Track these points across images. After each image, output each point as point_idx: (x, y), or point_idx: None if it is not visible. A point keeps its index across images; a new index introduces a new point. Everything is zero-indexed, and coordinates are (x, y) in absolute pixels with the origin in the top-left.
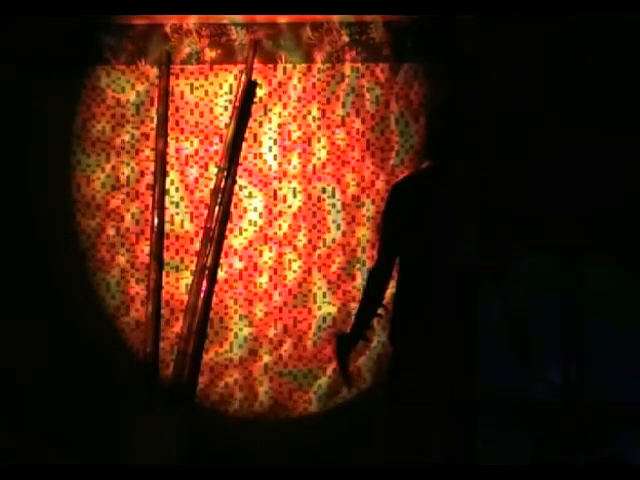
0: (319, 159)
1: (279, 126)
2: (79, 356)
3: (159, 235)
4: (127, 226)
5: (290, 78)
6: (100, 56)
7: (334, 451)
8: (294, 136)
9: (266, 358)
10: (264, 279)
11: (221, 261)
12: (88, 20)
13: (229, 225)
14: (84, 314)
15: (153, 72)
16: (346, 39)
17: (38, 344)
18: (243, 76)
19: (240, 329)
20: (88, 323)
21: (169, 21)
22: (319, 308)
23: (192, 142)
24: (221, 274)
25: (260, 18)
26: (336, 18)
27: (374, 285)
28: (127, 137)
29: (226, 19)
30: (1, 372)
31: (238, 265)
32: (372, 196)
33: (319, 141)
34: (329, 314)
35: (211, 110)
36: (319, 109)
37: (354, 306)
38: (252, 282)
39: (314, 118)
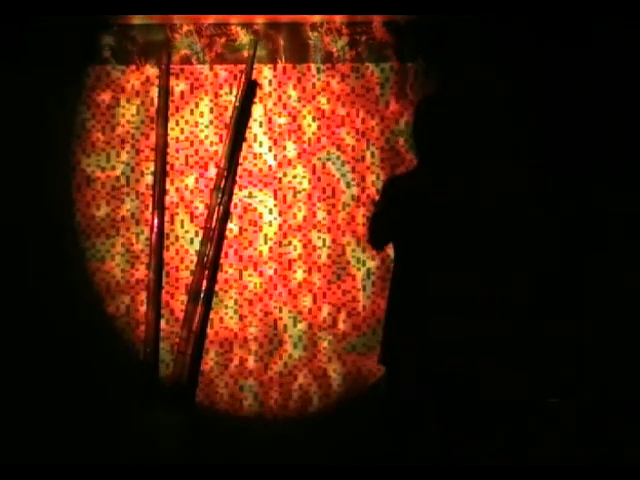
0: (319, 159)
1: (279, 126)
2: (79, 356)
3: (159, 235)
4: (127, 226)
5: (290, 78)
6: (100, 56)
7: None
8: (294, 136)
9: (327, 342)
10: (300, 268)
11: (250, 263)
12: (88, 20)
13: (229, 225)
14: (84, 314)
15: (153, 72)
16: (346, 39)
17: (37, 344)
18: (243, 76)
19: (294, 327)
20: (88, 323)
21: (169, 21)
22: (359, 269)
23: (192, 142)
24: (254, 279)
25: (260, 18)
26: (336, 18)
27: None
28: (127, 137)
29: (226, 19)
30: (1, 371)
31: (271, 263)
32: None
33: (319, 141)
34: (370, 271)
35: (211, 110)
36: (319, 109)
37: (391, 253)
38: (288, 276)
39: (314, 118)
